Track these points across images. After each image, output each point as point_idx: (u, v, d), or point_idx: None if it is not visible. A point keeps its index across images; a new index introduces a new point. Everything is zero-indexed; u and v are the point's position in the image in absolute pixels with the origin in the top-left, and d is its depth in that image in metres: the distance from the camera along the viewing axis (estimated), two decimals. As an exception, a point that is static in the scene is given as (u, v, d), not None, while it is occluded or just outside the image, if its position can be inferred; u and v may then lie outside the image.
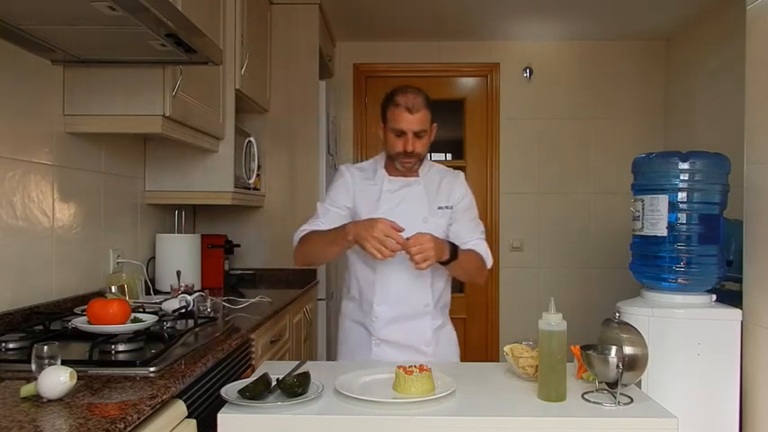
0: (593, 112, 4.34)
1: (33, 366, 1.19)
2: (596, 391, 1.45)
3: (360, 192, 2.02)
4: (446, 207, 2.02)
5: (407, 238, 1.74)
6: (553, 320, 1.40)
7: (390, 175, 2.02)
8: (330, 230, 1.90)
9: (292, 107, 3.38)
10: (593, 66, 4.34)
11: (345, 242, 1.80)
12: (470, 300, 4.39)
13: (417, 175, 2.03)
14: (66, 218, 2.06)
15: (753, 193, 2.26)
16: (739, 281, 2.37)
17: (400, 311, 1.97)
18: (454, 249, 1.84)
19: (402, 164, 1.96)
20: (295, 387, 1.33)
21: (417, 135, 1.92)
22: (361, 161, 2.28)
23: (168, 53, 1.78)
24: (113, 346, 1.47)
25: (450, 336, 2.09)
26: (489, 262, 2.03)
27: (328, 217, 1.99)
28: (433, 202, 2.01)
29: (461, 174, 2.12)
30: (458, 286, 4.14)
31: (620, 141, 4.29)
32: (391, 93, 1.97)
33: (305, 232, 1.99)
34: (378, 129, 2.03)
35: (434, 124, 1.99)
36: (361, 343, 2.02)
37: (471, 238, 2.01)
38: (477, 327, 4.38)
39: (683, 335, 2.30)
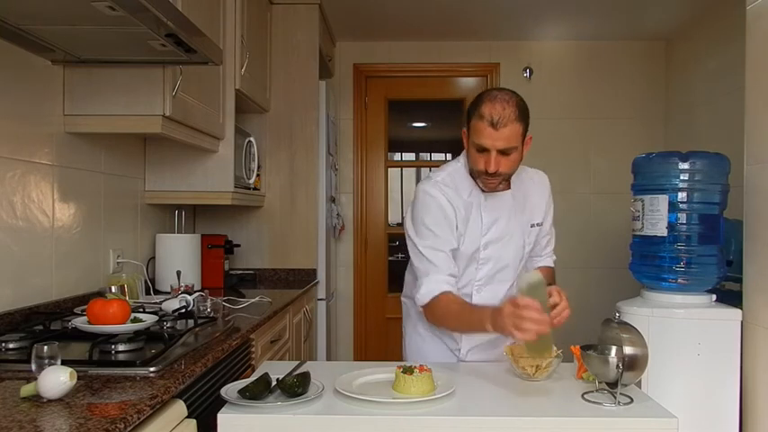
0: (593, 112, 4.34)
1: (33, 366, 1.19)
2: (596, 391, 1.45)
3: (461, 216, 1.76)
4: (537, 224, 1.86)
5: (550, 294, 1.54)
6: (531, 277, 1.43)
7: (477, 184, 1.76)
8: (466, 312, 1.66)
9: (292, 107, 3.38)
10: (594, 66, 4.34)
11: (485, 331, 1.54)
12: (470, 300, 4.39)
13: (509, 186, 1.80)
14: (66, 218, 2.06)
15: (753, 193, 2.26)
16: (739, 281, 2.37)
17: (490, 336, 1.81)
18: None
19: (484, 183, 1.71)
20: (295, 387, 1.33)
21: (503, 152, 1.63)
22: (441, 167, 1.85)
23: (168, 53, 1.78)
24: (113, 346, 1.47)
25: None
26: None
27: (444, 261, 1.72)
28: (526, 218, 1.83)
29: (546, 176, 1.92)
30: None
31: (620, 141, 4.29)
32: (479, 97, 1.67)
33: (433, 296, 1.70)
34: (462, 134, 1.73)
35: (529, 136, 1.69)
36: (443, 353, 1.90)
37: (547, 251, 1.97)
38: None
39: (683, 335, 2.30)
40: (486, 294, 1.82)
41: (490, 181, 1.69)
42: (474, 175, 1.74)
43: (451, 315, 1.69)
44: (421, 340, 1.94)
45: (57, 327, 1.73)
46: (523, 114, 1.64)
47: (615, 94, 4.33)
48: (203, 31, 1.82)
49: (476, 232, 1.76)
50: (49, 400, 1.11)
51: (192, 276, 2.63)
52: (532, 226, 1.84)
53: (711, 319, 2.31)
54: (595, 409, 1.36)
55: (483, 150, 1.63)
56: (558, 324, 1.54)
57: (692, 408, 2.27)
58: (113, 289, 2.12)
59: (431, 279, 1.71)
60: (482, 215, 1.77)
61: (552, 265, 2.00)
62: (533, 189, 1.86)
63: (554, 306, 1.53)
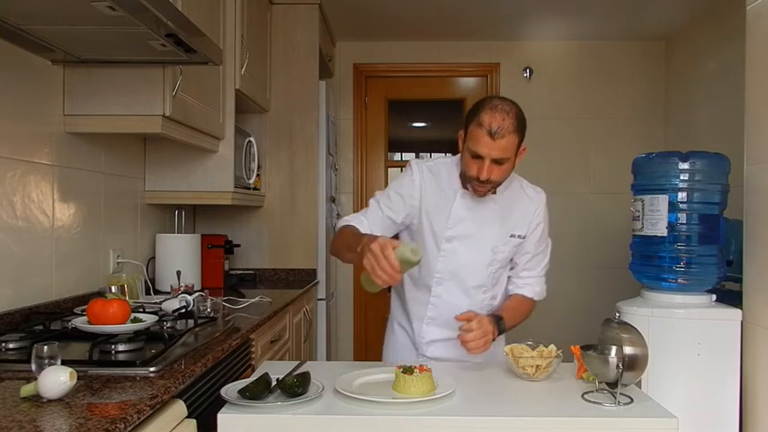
0: (593, 112, 4.34)
1: (33, 366, 1.19)
2: (596, 391, 1.45)
3: (428, 198, 1.80)
4: (518, 236, 1.82)
5: (469, 318, 1.64)
6: (410, 251, 1.43)
7: (465, 187, 1.79)
8: (357, 234, 1.68)
9: (292, 107, 3.38)
10: (594, 66, 4.34)
11: (356, 253, 1.55)
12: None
13: (494, 192, 1.80)
14: (66, 218, 2.06)
15: (753, 193, 2.26)
16: (739, 281, 2.37)
17: (450, 334, 1.79)
18: (500, 325, 1.72)
19: (474, 189, 1.73)
20: (295, 387, 1.33)
21: (497, 162, 1.65)
22: (432, 159, 1.91)
23: (168, 53, 1.78)
24: (113, 346, 1.47)
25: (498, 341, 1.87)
26: (540, 298, 1.90)
27: (376, 217, 1.78)
28: (507, 227, 1.81)
29: (543, 195, 1.89)
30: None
31: (620, 141, 4.29)
32: (479, 104, 1.69)
33: (345, 224, 1.79)
34: (459, 137, 1.75)
35: (523, 147, 1.71)
36: (406, 348, 1.92)
37: (529, 274, 1.88)
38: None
39: (683, 335, 2.30)
40: (444, 289, 1.83)
41: (480, 188, 1.72)
42: (465, 179, 1.76)
43: (345, 235, 1.73)
44: (392, 332, 1.99)
45: (57, 327, 1.73)
46: (521, 126, 1.67)
47: (615, 94, 4.33)
48: (203, 31, 1.82)
49: (441, 223, 1.80)
50: (49, 400, 1.11)
51: (192, 276, 2.63)
52: (512, 236, 1.82)
53: (711, 319, 2.31)
54: (595, 409, 1.36)
55: (477, 157, 1.66)
56: (468, 350, 1.63)
57: (692, 408, 2.27)
58: (113, 289, 2.12)
59: (356, 216, 1.81)
60: (452, 209, 1.80)
61: (529, 295, 1.88)
62: (523, 201, 1.85)
63: (468, 331, 1.62)
